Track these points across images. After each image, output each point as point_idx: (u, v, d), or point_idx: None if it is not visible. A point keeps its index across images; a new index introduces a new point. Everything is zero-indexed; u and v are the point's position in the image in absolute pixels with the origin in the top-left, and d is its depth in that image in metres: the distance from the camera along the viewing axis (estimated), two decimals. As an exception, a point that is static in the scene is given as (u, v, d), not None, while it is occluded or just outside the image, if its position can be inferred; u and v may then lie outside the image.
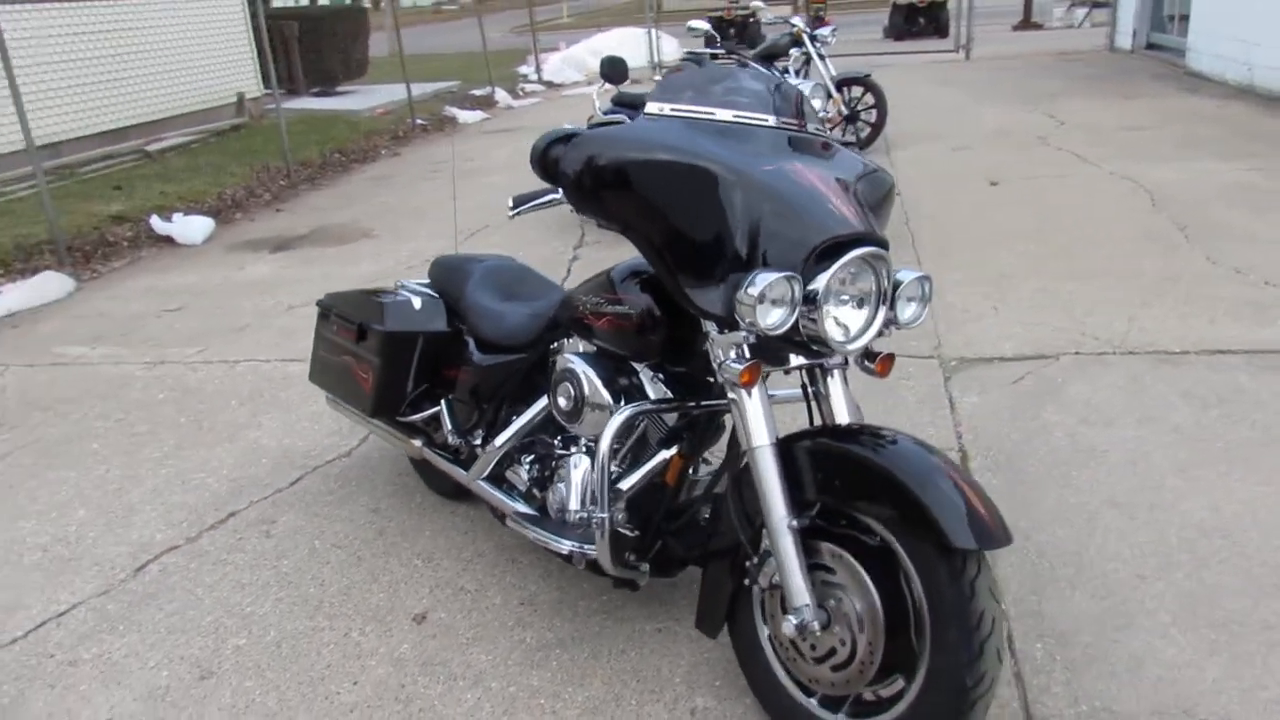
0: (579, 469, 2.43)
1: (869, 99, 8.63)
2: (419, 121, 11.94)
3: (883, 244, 2.01)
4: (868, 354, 2.17)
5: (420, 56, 20.98)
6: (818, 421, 2.20)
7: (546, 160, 2.04)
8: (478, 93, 14.31)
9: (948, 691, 1.82)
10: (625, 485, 2.34)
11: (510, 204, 2.32)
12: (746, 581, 2.14)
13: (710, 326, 2.05)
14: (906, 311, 2.12)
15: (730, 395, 2.05)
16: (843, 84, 8.47)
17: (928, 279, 2.13)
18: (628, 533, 2.36)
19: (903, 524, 1.86)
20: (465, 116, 12.79)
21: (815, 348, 2.01)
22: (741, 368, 1.96)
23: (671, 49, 16.62)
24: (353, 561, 3.01)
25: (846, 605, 1.96)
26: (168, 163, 9.62)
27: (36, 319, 5.82)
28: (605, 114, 5.65)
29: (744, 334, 1.97)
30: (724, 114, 2.09)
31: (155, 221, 7.42)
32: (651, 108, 2.07)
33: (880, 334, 2.12)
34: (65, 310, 5.98)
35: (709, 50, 6.93)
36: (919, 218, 6.45)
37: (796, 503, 1.99)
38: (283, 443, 3.86)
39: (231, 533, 3.23)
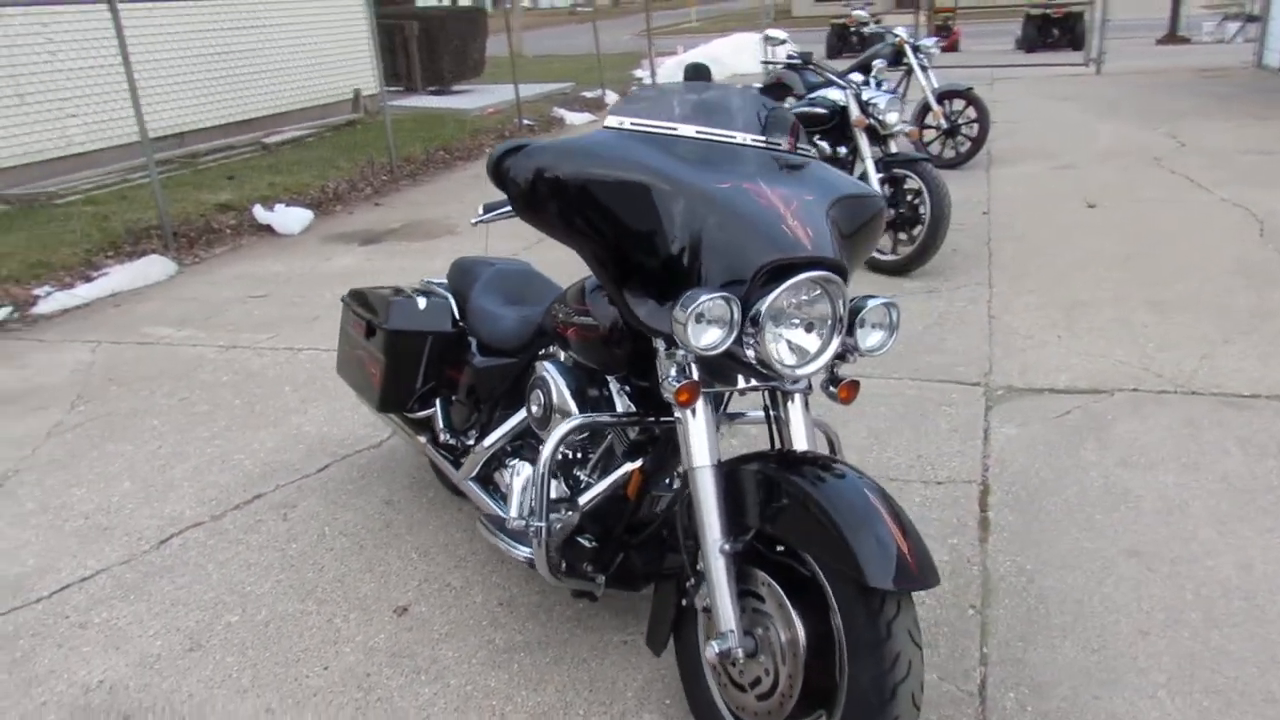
0: (521, 475, 2.45)
1: (971, 113, 8.36)
2: (525, 122, 12.18)
3: (839, 268, 1.95)
4: (833, 379, 2.11)
5: (545, 58, 21.45)
6: (778, 445, 2.15)
7: (499, 170, 2.06)
8: (588, 95, 14.51)
9: None
10: (585, 497, 2.34)
11: (480, 210, 2.35)
12: (684, 601, 2.11)
13: (659, 342, 2.03)
14: (869, 339, 2.06)
15: (676, 414, 2.03)
16: (944, 97, 8.23)
17: (894, 306, 2.06)
18: (585, 543, 2.36)
19: (829, 558, 1.80)
20: (573, 118, 12.98)
21: (764, 371, 1.97)
22: (678, 386, 1.94)
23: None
24: (354, 550, 3.10)
25: (773, 634, 1.92)
26: (281, 155, 10.10)
27: (137, 299, 6.20)
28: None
29: (682, 353, 1.95)
30: (686, 129, 2.07)
31: (258, 211, 7.81)
32: (611, 121, 2.06)
33: (843, 360, 2.07)
34: (164, 292, 6.35)
35: (791, 59, 6.84)
36: (1004, 238, 6.21)
37: (734, 526, 1.96)
38: (322, 430, 4.01)
39: (252, 514, 3.37)
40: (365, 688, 2.46)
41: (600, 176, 1.94)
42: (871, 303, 2.04)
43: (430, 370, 3.05)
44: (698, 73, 4.12)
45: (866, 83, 5.96)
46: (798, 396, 2.12)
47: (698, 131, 2.07)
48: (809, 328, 1.96)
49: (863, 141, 5.75)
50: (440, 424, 2.97)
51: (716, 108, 2.14)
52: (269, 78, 10.96)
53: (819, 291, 1.93)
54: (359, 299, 3.24)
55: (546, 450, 2.19)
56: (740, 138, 2.11)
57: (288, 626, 2.73)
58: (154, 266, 6.70)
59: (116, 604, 2.90)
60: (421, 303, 3.02)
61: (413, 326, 2.97)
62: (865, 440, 3.60)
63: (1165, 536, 2.90)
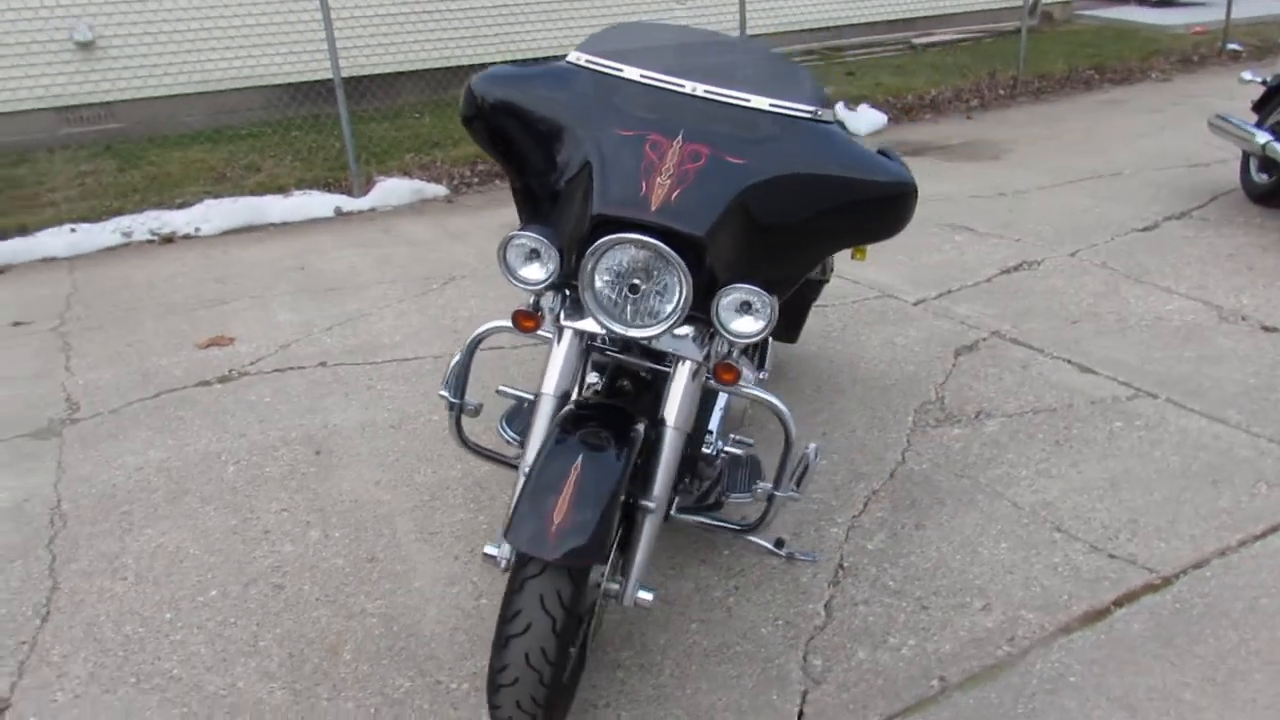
0: None
1: None
2: (1231, 46, 10.24)
3: (688, 240, 1.85)
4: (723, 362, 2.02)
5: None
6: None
7: (469, 87, 2.26)
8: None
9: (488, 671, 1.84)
10: None
11: None
12: None
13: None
14: (735, 323, 1.92)
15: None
16: None
17: (761, 294, 1.88)
18: None
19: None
20: (1307, 46, 10.49)
21: (602, 322, 1.98)
22: (519, 309, 2.07)
23: None
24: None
25: None
26: (922, 57, 10.18)
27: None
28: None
29: None
30: (631, 72, 2.07)
31: (839, 108, 8.20)
32: (571, 57, 2.15)
33: (718, 342, 1.98)
34: None
35: None
36: None
37: None
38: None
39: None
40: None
41: (521, 106, 2.08)
42: (734, 287, 1.89)
43: None
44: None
45: None
46: (683, 366, 2.05)
47: (641, 75, 2.06)
48: (632, 290, 1.92)
49: None
50: None
51: (672, 53, 2.09)
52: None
53: (650, 255, 1.87)
54: None
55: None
56: (689, 87, 2.05)
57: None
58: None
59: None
60: None
61: None
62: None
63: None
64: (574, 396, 2.11)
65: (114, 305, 4.77)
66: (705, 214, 1.87)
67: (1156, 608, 2.37)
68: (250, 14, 7.83)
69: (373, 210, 6.38)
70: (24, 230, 5.82)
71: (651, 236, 1.85)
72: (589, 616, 1.99)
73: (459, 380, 2.32)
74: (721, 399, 2.50)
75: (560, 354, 2.08)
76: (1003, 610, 2.38)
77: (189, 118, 7.89)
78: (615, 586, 2.03)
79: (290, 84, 8.01)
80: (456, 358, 2.33)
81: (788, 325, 3.30)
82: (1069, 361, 3.67)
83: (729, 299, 1.90)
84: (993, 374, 3.60)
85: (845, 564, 2.59)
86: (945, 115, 8.50)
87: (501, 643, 1.77)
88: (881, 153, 2.17)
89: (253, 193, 6.49)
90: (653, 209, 1.85)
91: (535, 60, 2.20)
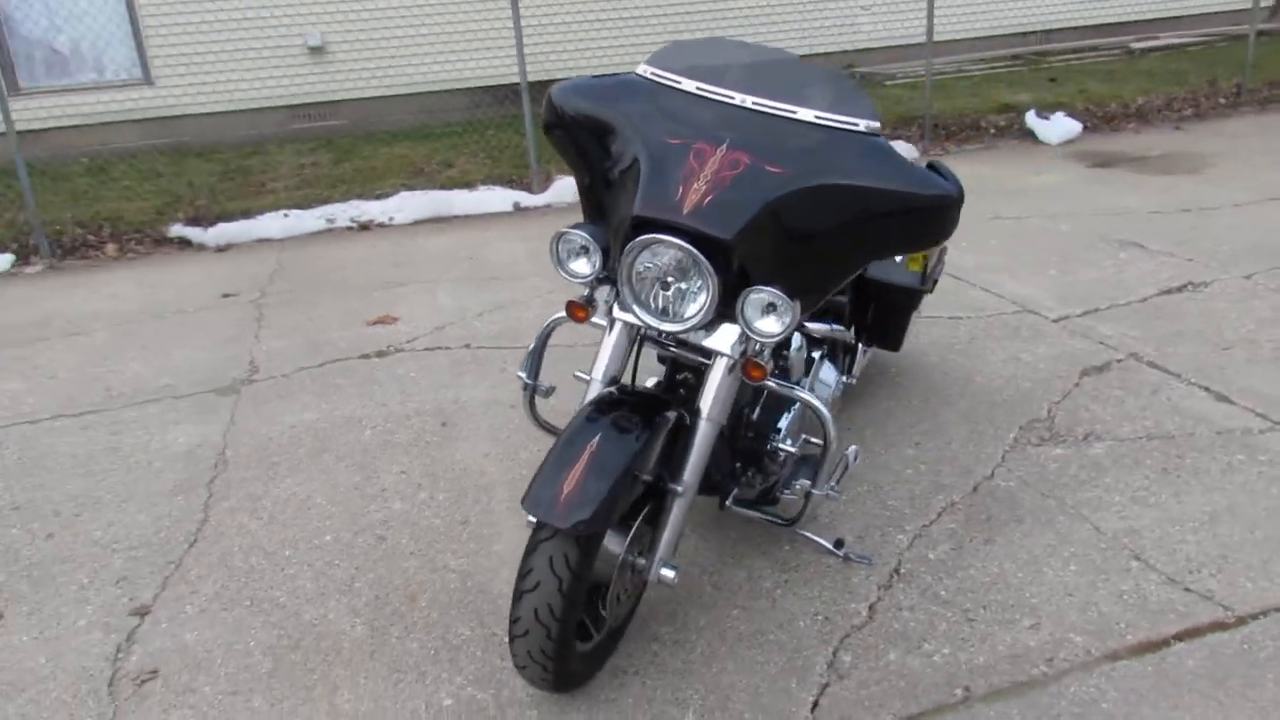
0: None
1: None
2: None
3: (715, 243, 1.98)
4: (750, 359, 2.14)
5: None
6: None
7: (549, 97, 2.44)
8: None
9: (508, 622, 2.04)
10: None
11: None
12: None
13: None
14: (758, 322, 2.04)
15: (609, 328, 2.33)
16: None
17: (782, 297, 1.98)
18: None
19: None
20: None
21: (638, 315, 2.14)
22: (571, 300, 2.26)
23: None
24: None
25: None
26: (1135, 63, 9.55)
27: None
28: None
29: None
30: (689, 85, 2.21)
31: (1029, 116, 7.87)
32: (640, 69, 2.30)
33: (749, 340, 2.09)
34: None
35: None
36: None
37: None
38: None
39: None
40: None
41: (591, 114, 2.27)
42: (758, 289, 2.00)
43: None
44: None
45: None
46: (720, 361, 2.17)
47: (698, 88, 2.20)
48: (664, 287, 2.06)
49: None
50: None
51: (741, 69, 2.20)
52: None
53: (683, 255, 2.01)
54: None
55: None
56: (739, 99, 2.17)
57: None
58: (898, 150, 7.51)
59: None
60: None
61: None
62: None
63: None
64: (623, 383, 2.28)
65: (307, 283, 5.37)
66: (735, 219, 1.99)
67: (1219, 646, 2.26)
68: (456, 21, 8.47)
69: (548, 206, 6.78)
70: (247, 214, 6.61)
71: (683, 238, 1.99)
72: (608, 585, 2.15)
73: (533, 364, 2.55)
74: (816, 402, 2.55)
75: (610, 343, 2.25)
76: (1051, 631, 2.34)
77: (400, 116, 8.62)
78: (642, 562, 2.19)
79: (489, 86, 8.60)
80: (532, 345, 2.56)
81: (887, 333, 3.31)
82: (1206, 389, 3.46)
83: (753, 299, 2.01)
84: (1116, 396, 3.45)
85: (901, 570, 2.61)
86: (1152, 125, 7.98)
87: (517, 597, 1.97)
88: (931, 166, 2.20)
89: (444, 187, 7.04)
90: (685, 212, 1.98)
91: (611, 75, 2.37)
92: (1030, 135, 7.75)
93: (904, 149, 7.47)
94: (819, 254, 2.15)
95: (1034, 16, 9.88)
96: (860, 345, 3.20)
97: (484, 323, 4.59)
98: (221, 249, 6.27)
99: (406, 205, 6.71)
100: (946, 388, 3.61)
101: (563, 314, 2.46)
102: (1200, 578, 2.50)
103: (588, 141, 2.29)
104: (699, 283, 2.03)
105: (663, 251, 2.02)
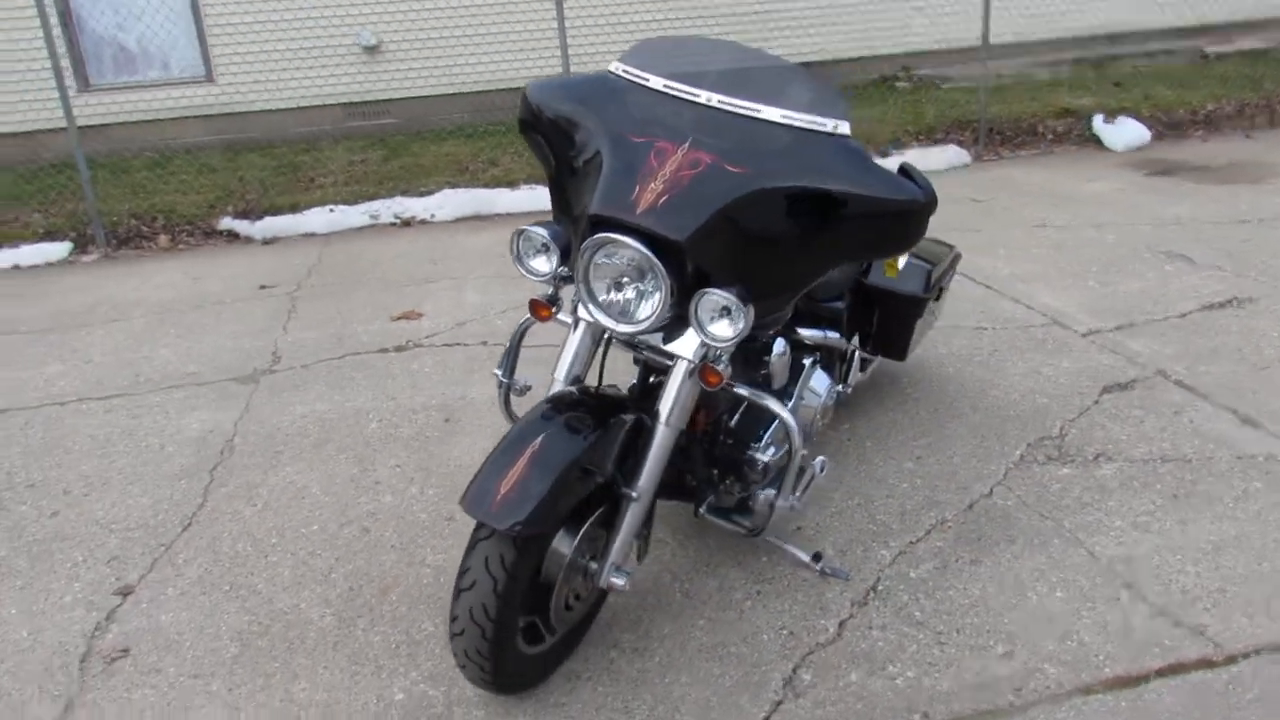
0: None
1: None
2: None
3: (666, 243, 1.94)
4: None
5: None
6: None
7: (524, 95, 2.41)
8: None
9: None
10: None
11: None
12: None
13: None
14: (711, 326, 2.00)
15: (572, 327, 2.30)
16: None
17: (735, 300, 1.93)
18: None
19: None
20: None
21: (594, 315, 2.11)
22: (533, 298, 2.24)
23: None
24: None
25: None
26: (1209, 68, 9.16)
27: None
28: None
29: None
30: (657, 82, 2.18)
31: (1096, 121, 7.60)
32: (612, 66, 2.27)
33: (709, 344, 2.05)
34: (957, 178, 6.90)
35: None
36: None
37: None
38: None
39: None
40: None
41: (562, 111, 2.25)
42: (710, 291, 1.95)
43: None
44: None
45: None
46: (680, 365, 2.13)
47: (664, 85, 2.16)
48: (617, 288, 2.03)
49: None
50: None
51: (712, 67, 2.16)
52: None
53: (638, 256, 1.97)
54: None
55: None
56: (705, 97, 2.12)
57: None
58: (950, 153, 7.33)
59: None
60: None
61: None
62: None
63: None
64: (585, 384, 2.25)
65: (342, 277, 5.45)
66: (689, 219, 1.94)
67: (1203, 685, 2.14)
68: (504, 22, 8.54)
69: (588, 206, 6.76)
70: (295, 209, 6.75)
71: (638, 238, 1.95)
72: (554, 588, 2.12)
73: (509, 362, 2.53)
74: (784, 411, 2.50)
75: (574, 341, 2.23)
76: (1024, 659, 2.25)
77: (450, 115, 8.72)
78: (594, 566, 2.16)
79: (540, 86, 8.63)
80: (508, 343, 2.55)
81: (891, 342, 3.22)
82: (1233, 411, 3.28)
83: (706, 301, 1.96)
84: (1135, 416, 3.30)
85: (879, 587, 2.53)
86: (1221, 133, 7.66)
87: (455, 595, 1.96)
88: (902, 170, 2.12)
89: (487, 185, 7.09)
90: (638, 211, 1.95)
91: (585, 74, 2.35)
92: (1091, 141, 7.49)
93: (956, 154, 7.30)
94: (781, 257, 2.09)
95: (1099, 18, 9.54)
96: (856, 353, 3.12)
97: (505, 320, 4.60)
98: (268, 242, 6.42)
99: (448, 202, 6.77)
100: (958, 400, 3.49)
101: (535, 315, 2.44)
102: (1193, 611, 2.37)
103: (558, 139, 2.26)
104: (654, 283, 1.99)
105: (617, 251, 1.99)
